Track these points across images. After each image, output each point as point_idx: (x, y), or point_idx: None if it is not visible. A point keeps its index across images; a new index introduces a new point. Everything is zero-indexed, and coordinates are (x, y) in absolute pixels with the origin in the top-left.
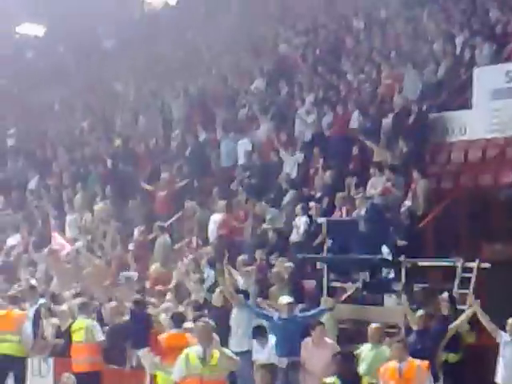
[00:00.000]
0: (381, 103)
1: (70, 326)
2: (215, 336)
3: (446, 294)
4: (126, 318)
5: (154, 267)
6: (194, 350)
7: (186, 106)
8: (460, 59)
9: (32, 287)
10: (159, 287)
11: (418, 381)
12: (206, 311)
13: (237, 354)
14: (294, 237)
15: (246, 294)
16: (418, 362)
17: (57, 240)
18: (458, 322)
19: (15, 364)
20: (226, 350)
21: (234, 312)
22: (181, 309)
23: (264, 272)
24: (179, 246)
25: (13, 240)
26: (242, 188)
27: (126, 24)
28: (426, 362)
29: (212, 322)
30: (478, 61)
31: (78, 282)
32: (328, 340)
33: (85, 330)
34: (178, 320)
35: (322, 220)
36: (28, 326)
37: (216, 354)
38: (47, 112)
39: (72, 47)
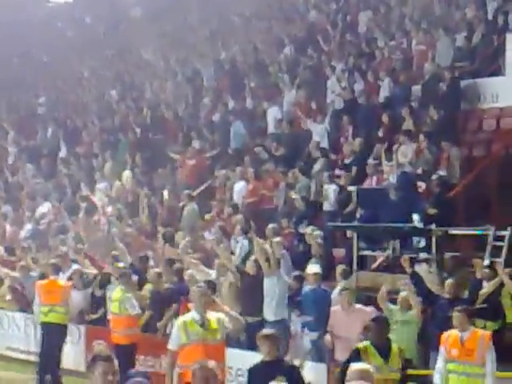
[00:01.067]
0: (412, 70)
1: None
2: (216, 298)
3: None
4: (167, 286)
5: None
6: (190, 317)
7: (216, 74)
8: (493, 25)
9: (64, 254)
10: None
11: (480, 351)
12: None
13: (272, 322)
14: (324, 205)
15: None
16: (480, 332)
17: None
18: (485, 289)
19: (60, 331)
20: (229, 310)
21: (266, 281)
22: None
23: (292, 241)
24: (210, 215)
25: (43, 208)
26: (271, 156)
27: None
28: (489, 333)
29: (204, 288)
30: (510, 27)
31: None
32: (357, 305)
33: (118, 303)
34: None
35: (352, 188)
36: (76, 296)
37: (213, 318)
38: (77, 81)
39: (100, 16)
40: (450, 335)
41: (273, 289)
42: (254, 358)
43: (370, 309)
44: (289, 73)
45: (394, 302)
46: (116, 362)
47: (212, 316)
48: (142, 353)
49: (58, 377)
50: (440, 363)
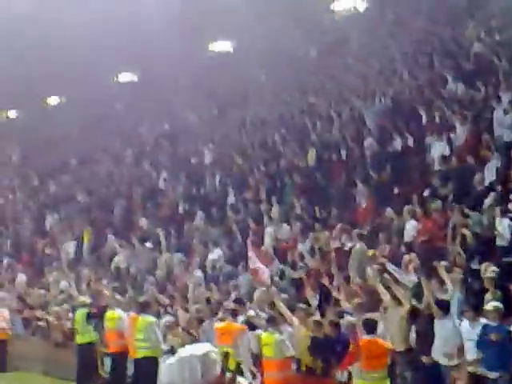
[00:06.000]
0: None
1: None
2: None
3: None
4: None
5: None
6: None
7: (379, 114)
8: None
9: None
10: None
11: None
12: None
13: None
14: (499, 240)
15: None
16: None
17: (254, 261)
18: None
19: None
20: None
21: (436, 321)
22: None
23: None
24: (372, 252)
25: (213, 255)
26: (438, 194)
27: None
28: None
29: None
30: None
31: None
32: None
33: (274, 345)
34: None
35: None
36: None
37: None
38: (241, 127)
39: (263, 60)
40: None
41: (443, 329)
42: None
43: None
44: (455, 107)
45: None
46: None
47: None
48: None
49: None
50: None
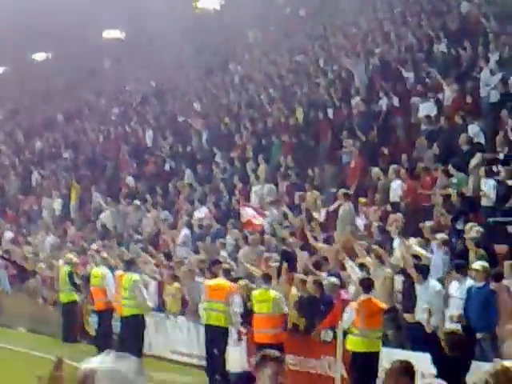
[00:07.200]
0: None
1: (252, 296)
2: None
3: None
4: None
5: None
6: None
7: (367, 73)
8: None
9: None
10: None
11: None
12: None
13: None
14: (484, 201)
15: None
16: None
17: (248, 212)
18: None
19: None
20: None
21: (416, 285)
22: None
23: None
24: (364, 200)
25: (199, 213)
26: (425, 154)
27: None
28: None
29: None
30: None
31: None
32: None
33: (271, 302)
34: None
35: None
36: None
37: None
38: (228, 85)
39: (252, 19)
40: None
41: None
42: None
43: None
44: (442, 67)
45: None
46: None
47: None
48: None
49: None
50: None
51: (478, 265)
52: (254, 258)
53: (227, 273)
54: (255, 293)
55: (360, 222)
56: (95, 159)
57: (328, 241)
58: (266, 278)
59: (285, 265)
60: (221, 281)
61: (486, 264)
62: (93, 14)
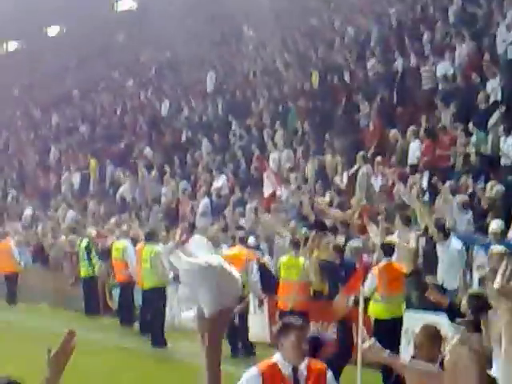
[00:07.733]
0: None
1: (280, 262)
2: None
3: None
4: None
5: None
6: None
7: (381, 34)
8: None
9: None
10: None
11: None
12: None
13: None
14: (503, 159)
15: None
16: None
17: (272, 180)
18: None
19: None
20: None
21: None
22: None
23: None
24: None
25: (218, 182)
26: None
27: None
28: None
29: None
30: None
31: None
32: None
33: (300, 268)
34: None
35: None
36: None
37: None
38: (243, 52)
39: None
40: None
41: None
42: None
43: None
44: (458, 25)
45: None
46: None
47: None
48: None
49: None
50: None
51: (495, 226)
52: (275, 225)
53: (244, 241)
54: (283, 259)
55: (376, 183)
56: (112, 132)
57: (343, 206)
58: (295, 245)
59: (312, 233)
60: (238, 249)
61: (502, 224)
62: None
